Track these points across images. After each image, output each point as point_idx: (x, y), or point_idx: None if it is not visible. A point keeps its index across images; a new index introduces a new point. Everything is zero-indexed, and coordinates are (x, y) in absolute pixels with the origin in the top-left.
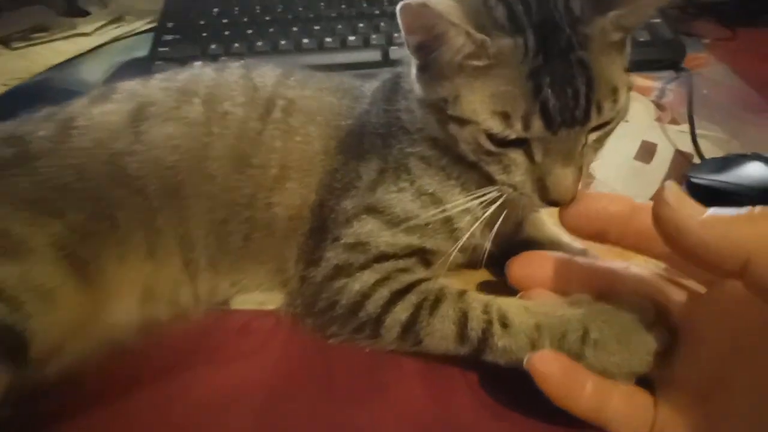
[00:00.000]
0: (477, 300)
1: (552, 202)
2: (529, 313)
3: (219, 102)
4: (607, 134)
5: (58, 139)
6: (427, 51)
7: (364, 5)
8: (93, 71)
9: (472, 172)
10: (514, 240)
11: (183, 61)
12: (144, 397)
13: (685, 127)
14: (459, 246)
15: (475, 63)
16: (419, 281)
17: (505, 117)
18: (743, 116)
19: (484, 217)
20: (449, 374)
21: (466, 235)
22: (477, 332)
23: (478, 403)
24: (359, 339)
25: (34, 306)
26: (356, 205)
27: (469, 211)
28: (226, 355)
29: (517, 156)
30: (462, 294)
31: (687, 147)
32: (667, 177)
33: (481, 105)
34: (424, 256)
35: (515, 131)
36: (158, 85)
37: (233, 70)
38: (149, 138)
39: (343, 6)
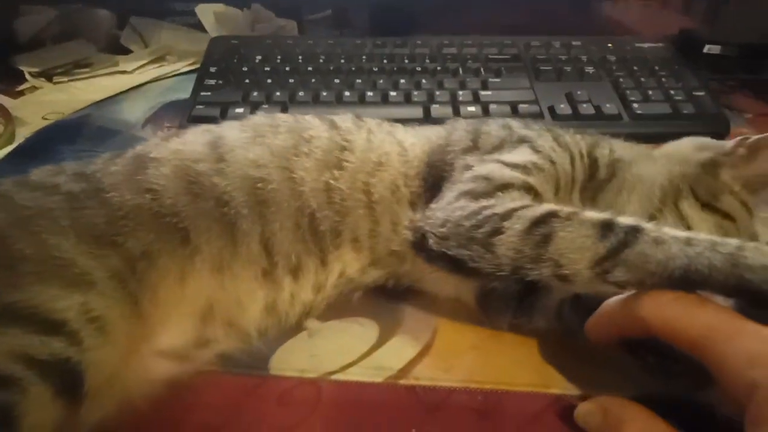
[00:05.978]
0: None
1: None
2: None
3: (303, 130)
4: None
5: (133, 172)
6: None
7: (406, 61)
8: (133, 110)
9: None
10: None
11: (224, 106)
12: None
13: None
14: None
15: None
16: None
17: None
18: None
19: None
20: None
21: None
22: (624, 227)
23: None
24: (477, 238)
25: (91, 339)
26: (479, 157)
27: None
28: (262, 429)
29: None
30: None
31: None
32: None
33: None
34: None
35: None
36: (228, 124)
37: (305, 116)
38: (235, 159)
39: (385, 61)
